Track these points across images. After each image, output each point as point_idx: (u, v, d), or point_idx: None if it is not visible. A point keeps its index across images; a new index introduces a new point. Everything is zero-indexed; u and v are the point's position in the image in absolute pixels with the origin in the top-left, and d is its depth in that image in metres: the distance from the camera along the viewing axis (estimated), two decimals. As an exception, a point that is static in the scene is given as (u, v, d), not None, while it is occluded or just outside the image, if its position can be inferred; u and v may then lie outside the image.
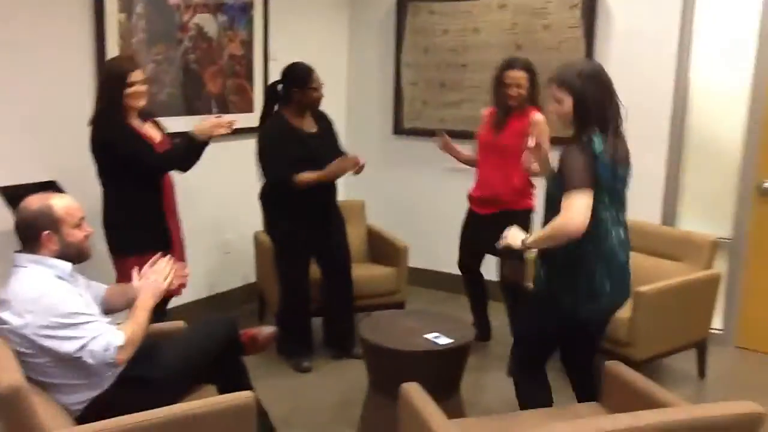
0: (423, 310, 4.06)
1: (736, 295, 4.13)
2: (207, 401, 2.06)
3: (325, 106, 3.78)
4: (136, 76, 3.02)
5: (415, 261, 4.51)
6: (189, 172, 3.92)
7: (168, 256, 2.54)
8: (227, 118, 3.21)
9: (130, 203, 3.04)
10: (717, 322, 4.14)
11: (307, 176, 3.48)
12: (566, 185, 2.37)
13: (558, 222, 2.38)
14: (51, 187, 3.34)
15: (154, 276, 2.42)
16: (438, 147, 3.94)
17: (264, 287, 4.21)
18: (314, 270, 3.83)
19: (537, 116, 3.56)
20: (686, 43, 4.01)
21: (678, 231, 3.93)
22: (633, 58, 4.14)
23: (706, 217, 4.20)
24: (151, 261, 2.50)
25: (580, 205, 2.33)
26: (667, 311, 3.38)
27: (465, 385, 3.07)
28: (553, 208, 2.47)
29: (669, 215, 4.18)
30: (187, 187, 4.10)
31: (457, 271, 4.16)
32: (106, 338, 2.15)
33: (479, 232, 3.81)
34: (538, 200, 3.51)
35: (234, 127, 3.17)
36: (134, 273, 2.47)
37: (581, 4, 4.22)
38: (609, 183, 2.42)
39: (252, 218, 4.12)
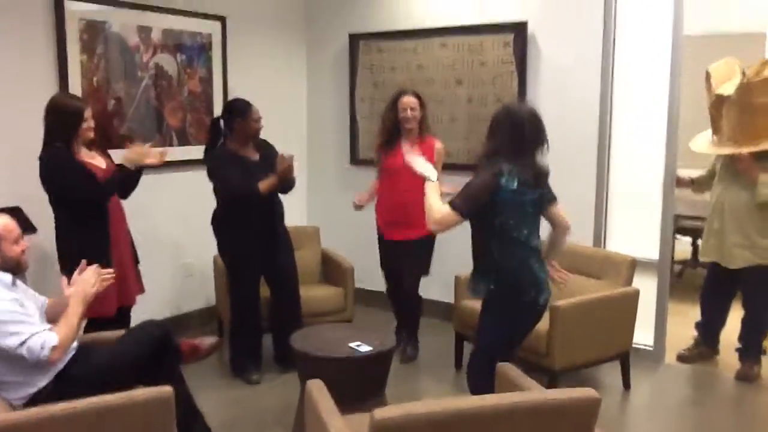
0: (353, 324, 4.31)
1: (664, 314, 4.39)
2: (127, 393, 2.29)
3: (286, 139, 4.08)
4: (88, 112, 3.37)
5: (368, 283, 4.79)
6: (155, 201, 4.28)
7: (95, 265, 2.77)
8: (158, 149, 3.55)
9: (77, 228, 3.32)
10: (648, 339, 4.41)
11: (266, 183, 3.76)
12: (458, 193, 2.78)
13: (435, 212, 2.77)
14: (16, 212, 3.67)
15: (81, 283, 2.65)
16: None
17: (221, 308, 4.48)
18: (265, 290, 4.11)
19: (438, 144, 4.14)
20: (608, 76, 4.33)
21: (599, 251, 4.21)
22: (561, 90, 4.47)
23: (636, 240, 4.45)
24: (78, 269, 2.74)
25: (447, 219, 2.75)
26: (584, 325, 3.64)
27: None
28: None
29: (598, 237, 4.46)
30: (152, 213, 4.44)
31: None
32: (42, 337, 2.42)
33: (398, 258, 4.21)
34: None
35: (165, 158, 3.57)
36: (63, 282, 2.71)
37: (513, 43, 4.57)
38: (512, 208, 2.79)
39: (214, 243, 4.41)
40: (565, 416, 2.03)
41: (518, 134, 2.81)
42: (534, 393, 2.10)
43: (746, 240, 3.96)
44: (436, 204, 2.79)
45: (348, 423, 2.24)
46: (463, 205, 2.74)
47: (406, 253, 4.18)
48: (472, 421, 1.92)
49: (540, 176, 2.89)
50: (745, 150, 3.84)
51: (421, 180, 3.60)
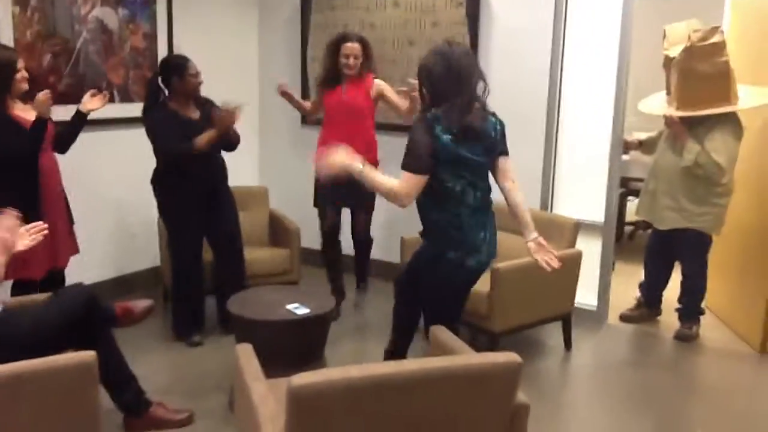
0: (296, 286, 4.28)
1: (608, 275, 4.44)
2: (47, 359, 2.23)
3: (238, 99, 3.93)
4: (20, 63, 3.26)
5: (318, 244, 4.73)
6: (97, 159, 4.24)
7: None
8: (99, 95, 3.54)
9: (7, 184, 3.22)
10: (592, 300, 4.47)
11: (203, 137, 3.65)
12: (403, 162, 2.68)
13: (393, 189, 2.67)
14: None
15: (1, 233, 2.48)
16: (277, 91, 4.39)
17: (166, 269, 4.40)
18: (209, 251, 4.05)
19: (378, 81, 4.18)
20: (559, 39, 4.29)
21: (544, 214, 4.23)
22: (513, 53, 4.43)
23: (584, 203, 4.46)
24: None
25: (411, 186, 2.67)
26: (525, 287, 3.65)
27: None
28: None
29: (546, 201, 4.47)
30: (94, 172, 4.32)
31: (352, 252, 4.48)
32: None
33: (336, 190, 4.04)
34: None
35: (106, 101, 3.58)
36: None
37: (466, 3, 4.49)
38: (452, 159, 2.68)
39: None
40: (487, 380, 2.03)
41: (454, 79, 2.67)
42: (455, 358, 2.10)
43: (675, 203, 4.02)
44: (387, 181, 2.69)
45: (273, 387, 2.23)
46: (421, 163, 2.64)
47: (350, 189, 4.03)
48: (392, 387, 1.91)
49: (479, 127, 2.73)
50: (680, 113, 3.86)
51: (363, 119, 3.82)
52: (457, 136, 2.67)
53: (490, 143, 2.80)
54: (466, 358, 2.05)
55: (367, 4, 4.86)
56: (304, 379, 1.85)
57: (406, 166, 2.67)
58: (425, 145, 2.65)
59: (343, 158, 2.71)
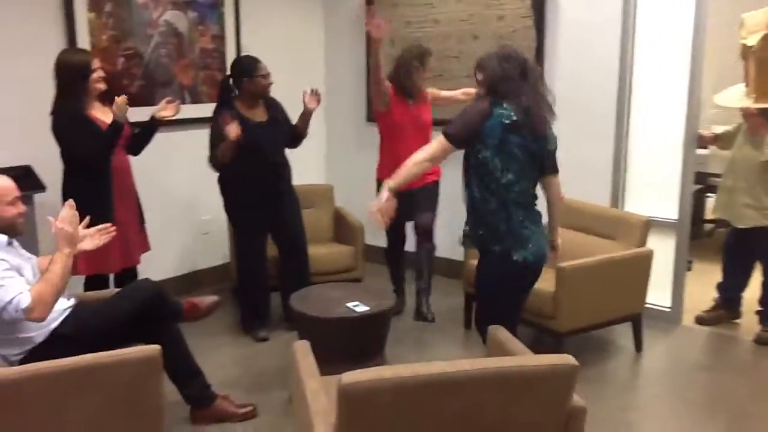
0: (358, 283, 4.28)
1: (682, 275, 4.27)
2: (113, 352, 2.33)
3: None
4: (96, 63, 3.39)
5: (384, 241, 4.75)
6: (169, 159, 4.35)
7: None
8: (173, 104, 3.64)
9: (80, 182, 3.37)
10: (666, 300, 4.31)
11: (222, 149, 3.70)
12: (445, 127, 2.71)
13: (421, 156, 2.72)
14: (26, 171, 3.73)
15: (60, 222, 2.51)
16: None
17: (233, 266, 4.50)
18: (275, 248, 4.12)
19: (428, 91, 4.23)
20: (629, 31, 4.15)
21: (613, 211, 4.09)
22: (580, 46, 4.31)
23: (657, 199, 4.30)
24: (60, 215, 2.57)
25: (440, 147, 2.70)
26: (591, 286, 3.55)
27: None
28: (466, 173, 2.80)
29: (616, 198, 4.33)
30: (165, 171, 4.46)
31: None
32: (17, 299, 2.38)
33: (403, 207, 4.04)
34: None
35: (179, 110, 3.69)
36: (51, 220, 2.57)
37: (532, -5, 4.41)
38: (500, 142, 2.63)
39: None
40: (541, 383, 1.98)
41: (521, 76, 2.68)
42: (508, 359, 2.06)
43: (755, 200, 3.83)
44: (412, 160, 2.72)
45: (327, 384, 2.24)
46: (454, 132, 2.66)
47: (412, 199, 3.97)
48: (442, 386, 1.89)
49: (536, 124, 2.69)
50: (759, 105, 3.67)
51: (428, 133, 3.86)
52: (512, 125, 2.63)
53: (543, 152, 2.76)
54: (519, 359, 2.01)
55: (431, -1, 4.84)
56: (354, 377, 1.86)
57: (444, 130, 2.71)
58: (472, 120, 2.66)
59: (379, 203, 2.71)
